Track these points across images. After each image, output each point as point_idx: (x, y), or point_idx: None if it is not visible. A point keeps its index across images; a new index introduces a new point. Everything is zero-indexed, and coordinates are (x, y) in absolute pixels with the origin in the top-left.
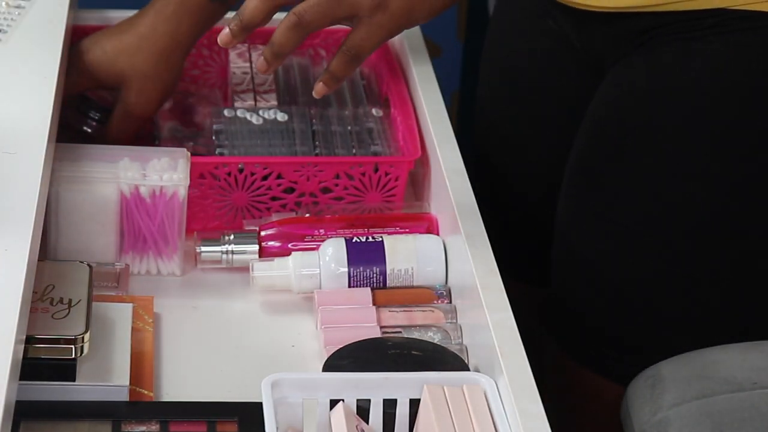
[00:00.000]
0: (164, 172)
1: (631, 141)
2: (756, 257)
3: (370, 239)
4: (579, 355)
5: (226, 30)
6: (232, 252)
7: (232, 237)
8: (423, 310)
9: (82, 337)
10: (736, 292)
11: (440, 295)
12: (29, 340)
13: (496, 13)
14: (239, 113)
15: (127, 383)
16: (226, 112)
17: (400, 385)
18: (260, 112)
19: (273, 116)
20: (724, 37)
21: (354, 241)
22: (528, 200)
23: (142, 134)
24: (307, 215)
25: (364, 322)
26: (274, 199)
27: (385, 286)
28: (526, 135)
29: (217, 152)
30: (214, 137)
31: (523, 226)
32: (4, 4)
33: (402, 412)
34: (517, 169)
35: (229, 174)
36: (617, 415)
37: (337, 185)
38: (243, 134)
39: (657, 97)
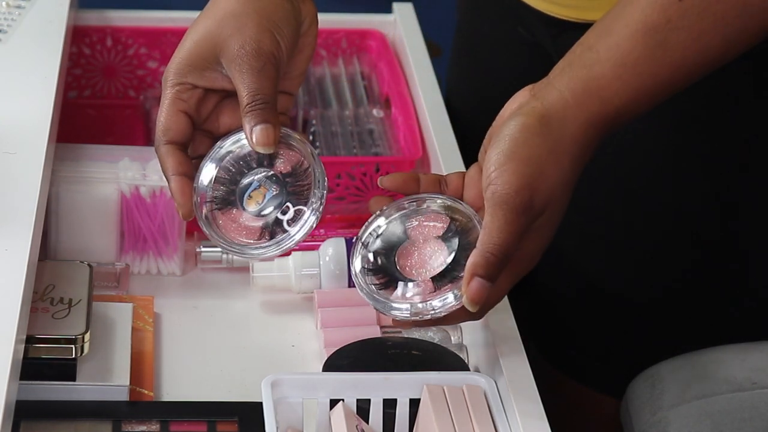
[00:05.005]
0: None
1: (601, 150)
2: (731, 263)
3: None
4: (563, 365)
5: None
6: None
7: None
8: None
9: (83, 337)
10: (710, 300)
11: None
12: (29, 340)
13: (461, 22)
14: None
15: (128, 383)
16: None
17: (400, 385)
18: None
19: None
20: None
21: (354, 241)
22: None
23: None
24: None
25: (364, 322)
26: None
27: None
28: None
29: None
30: None
31: None
32: (4, 4)
33: (402, 412)
34: None
35: None
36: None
37: (338, 185)
38: None
39: None
